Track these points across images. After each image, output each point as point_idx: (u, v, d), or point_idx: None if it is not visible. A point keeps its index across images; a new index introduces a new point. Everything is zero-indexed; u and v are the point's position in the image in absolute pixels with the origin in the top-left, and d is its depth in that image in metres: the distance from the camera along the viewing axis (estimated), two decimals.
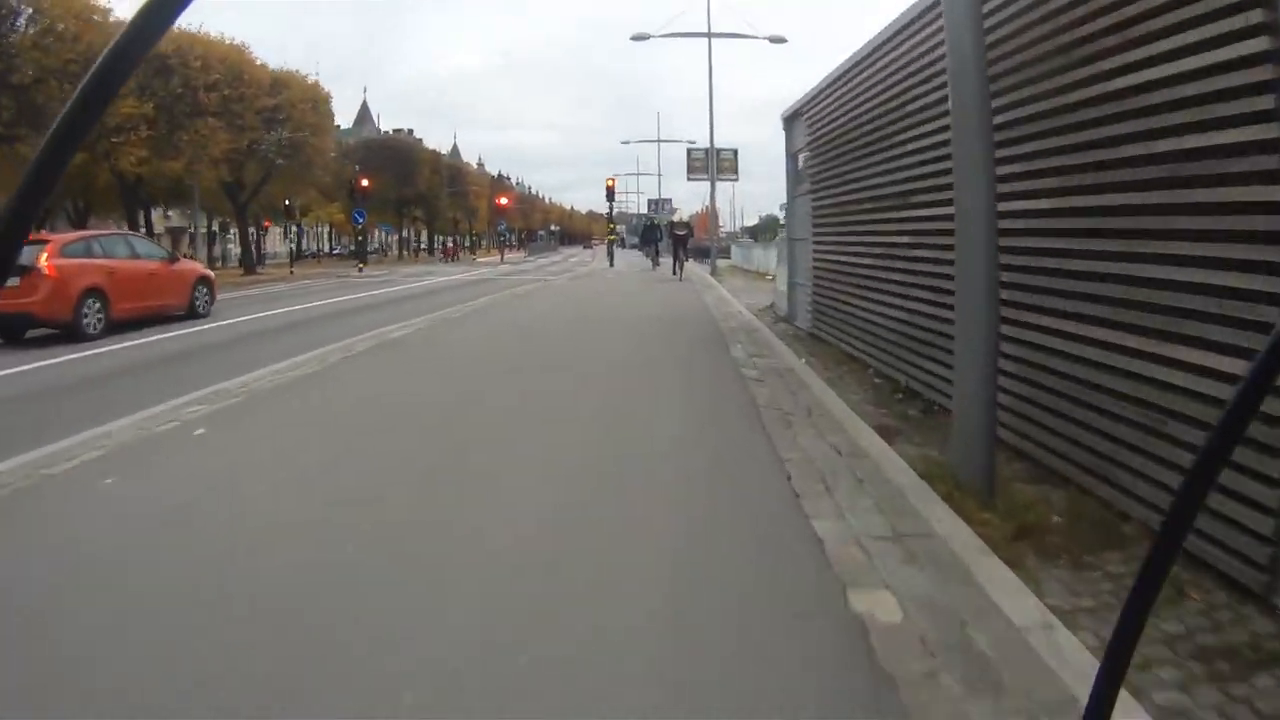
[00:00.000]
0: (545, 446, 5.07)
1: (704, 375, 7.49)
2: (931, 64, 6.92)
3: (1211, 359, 3.71)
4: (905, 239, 7.75)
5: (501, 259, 57.70)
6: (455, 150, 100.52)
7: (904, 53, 7.62)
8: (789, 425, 5.58)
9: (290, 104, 39.72)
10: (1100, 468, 4.70)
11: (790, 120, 13.36)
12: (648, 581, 3.10)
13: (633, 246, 61.18)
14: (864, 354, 9.15)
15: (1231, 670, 2.87)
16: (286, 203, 47.64)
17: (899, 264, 7.95)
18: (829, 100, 10.47)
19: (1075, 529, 4.40)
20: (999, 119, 5.13)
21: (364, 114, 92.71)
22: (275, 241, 68.77)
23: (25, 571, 3.28)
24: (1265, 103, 3.41)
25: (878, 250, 8.63)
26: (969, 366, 4.77)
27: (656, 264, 33.81)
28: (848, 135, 9.65)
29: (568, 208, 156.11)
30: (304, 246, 70.49)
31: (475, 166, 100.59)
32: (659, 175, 75.02)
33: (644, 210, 71.93)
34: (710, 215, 36.25)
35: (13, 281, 11.47)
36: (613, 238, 40.84)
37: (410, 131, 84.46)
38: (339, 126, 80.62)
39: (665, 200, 67.30)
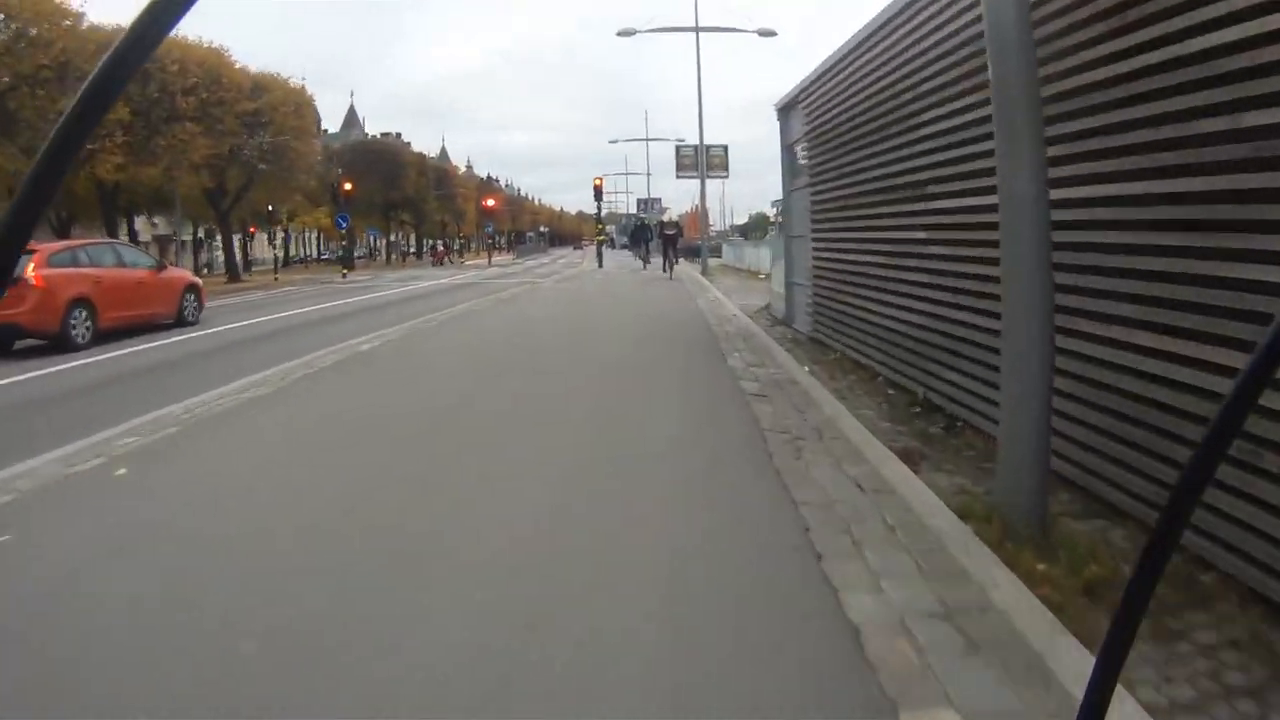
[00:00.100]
0: (505, 508, 4.28)
1: (700, 392, 6.67)
2: (953, 35, 6.15)
3: None
4: (921, 234, 6.97)
5: (489, 262, 56.86)
6: (444, 153, 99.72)
7: (918, 25, 6.83)
8: (799, 454, 4.79)
9: (271, 107, 38.96)
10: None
11: (785, 110, 12.57)
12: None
13: (623, 247, 60.46)
14: (872, 361, 8.37)
15: None
16: (270, 208, 46.72)
17: (913, 262, 7.17)
18: (829, 86, 9.69)
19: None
20: (1045, 90, 4.35)
21: (351, 118, 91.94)
22: (263, 248, 67.93)
23: None
24: None
25: (887, 247, 7.85)
26: (1018, 384, 3.98)
27: (646, 264, 33.49)
28: (851, 123, 8.86)
29: (557, 209, 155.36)
30: (291, 252, 69.83)
31: (463, 169, 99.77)
32: (648, 174, 74.27)
33: (633, 210, 71.25)
34: (700, 213, 35.46)
35: None
36: (601, 238, 40.04)
37: (398, 135, 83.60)
38: (326, 131, 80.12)
39: (654, 199, 66.52)
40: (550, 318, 13.20)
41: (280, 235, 66.69)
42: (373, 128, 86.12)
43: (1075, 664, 2.58)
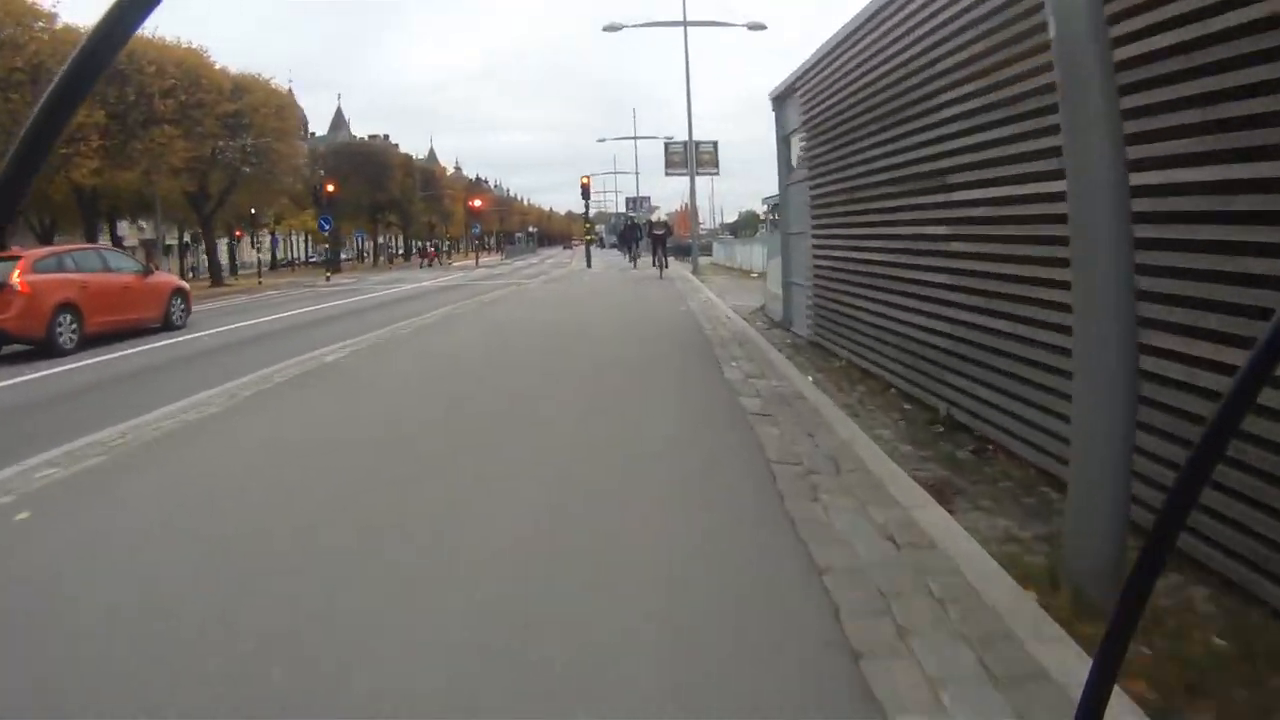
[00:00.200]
0: (457, 564, 3.47)
1: (695, 414, 5.81)
2: (982, 2, 5.37)
3: None
4: (942, 230, 6.18)
5: (476, 263, 55.97)
6: (432, 154, 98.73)
7: None
8: (815, 494, 3.99)
9: (253, 109, 38.12)
10: (1260, 555, 3.17)
11: (780, 100, 11.78)
12: None
13: (612, 246, 59.70)
14: (883, 370, 7.59)
15: None
16: (253, 211, 45.82)
17: (931, 261, 6.39)
18: (830, 71, 8.90)
19: (1256, 670, 2.85)
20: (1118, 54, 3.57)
21: (339, 120, 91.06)
22: (251, 251, 66.97)
23: None
24: None
25: (899, 244, 7.07)
26: (1096, 413, 3.19)
27: (635, 263, 33.34)
28: (855, 109, 8.07)
29: (546, 209, 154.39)
30: (279, 255, 68.89)
31: (451, 170, 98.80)
32: (636, 173, 73.36)
33: (622, 209, 70.45)
34: (690, 211, 34.67)
35: None
36: (590, 238, 39.25)
37: (386, 137, 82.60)
38: (313, 133, 79.38)
39: (643, 198, 65.73)
40: (533, 323, 12.36)
41: (266, 238, 65.99)
42: (361, 130, 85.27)
43: None
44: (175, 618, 2.88)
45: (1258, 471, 3.19)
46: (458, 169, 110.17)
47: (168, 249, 54.83)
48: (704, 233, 47.39)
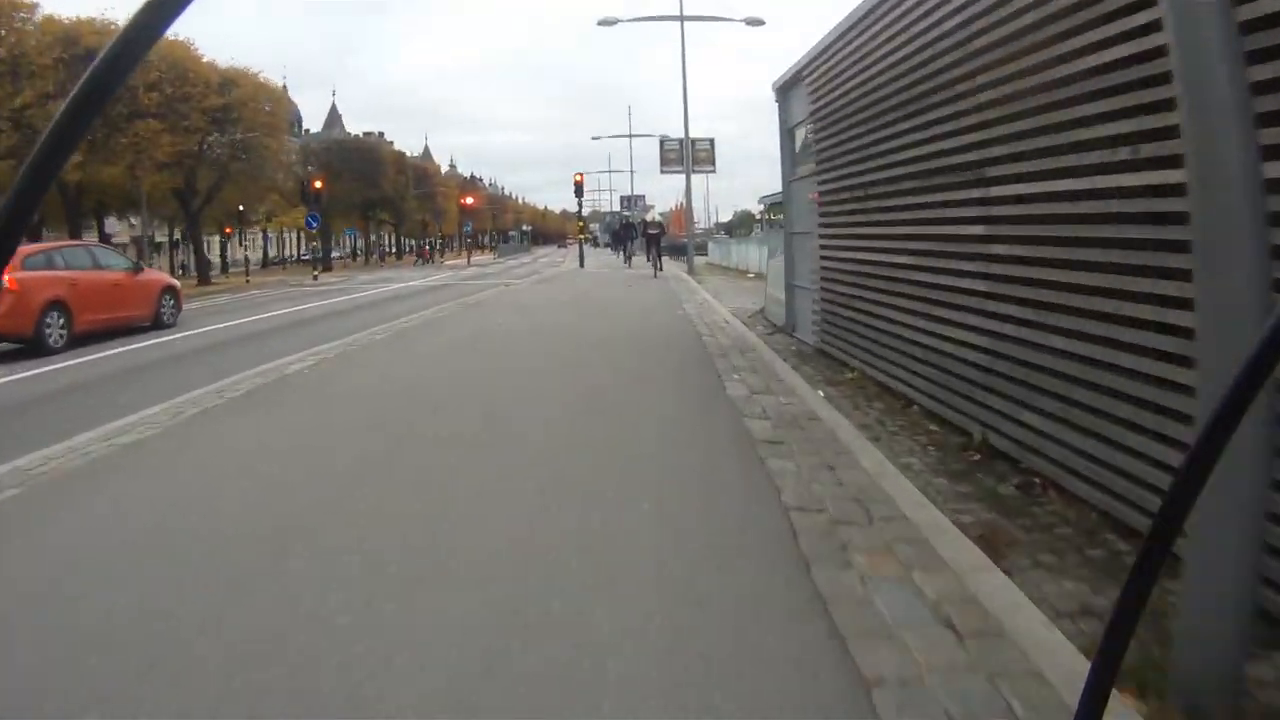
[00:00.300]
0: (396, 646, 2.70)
1: (695, 440, 4.96)
2: None
3: None
4: (978, 229, 5.41)
5: (468, 262, 55.19)
6: (426, 152, 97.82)
7: None
8: (847, 557, 3.21)
9: (241, 103, 37.23)
10: None
11: (785, 90, 11.01)
12: None
13: (605, 246, 58.97)
14: (902, 384, 6.84)
15: None
16: (240, 208, 44.93)
17: (966, 265, 5.62)
18: (844, 54, 8.13)
19: None
20: None
21: (333, 117, 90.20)
22: (245, 249, 66.10)
23: None
24: None
25: (923, 245, 6.31)
26: (1223, 471, 2.44)
27: (629, 262, 32.95)
28: (870, 97, 7.32)
29: (541, 208, 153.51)
30: (271, 253, 67.97)
31: (446, 168, 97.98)
32: (631, 171, 72.59)
33: (617, 207, 69.73)
34: (686, 209, 33.90)
35: None
36: (583, 237, 38.49)
37: (381, 134, 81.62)
38: (308, 130, 78.40)
39: (638, 197, 65.10)
40: (516, 329, 11.56)
41: (255, 236, 65.07)
42: (356, 128, 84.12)
43: None
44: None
45: None
46: (452, 167, 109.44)
47: (158, 246, 54.02)
48: (699, 232, 46.54)
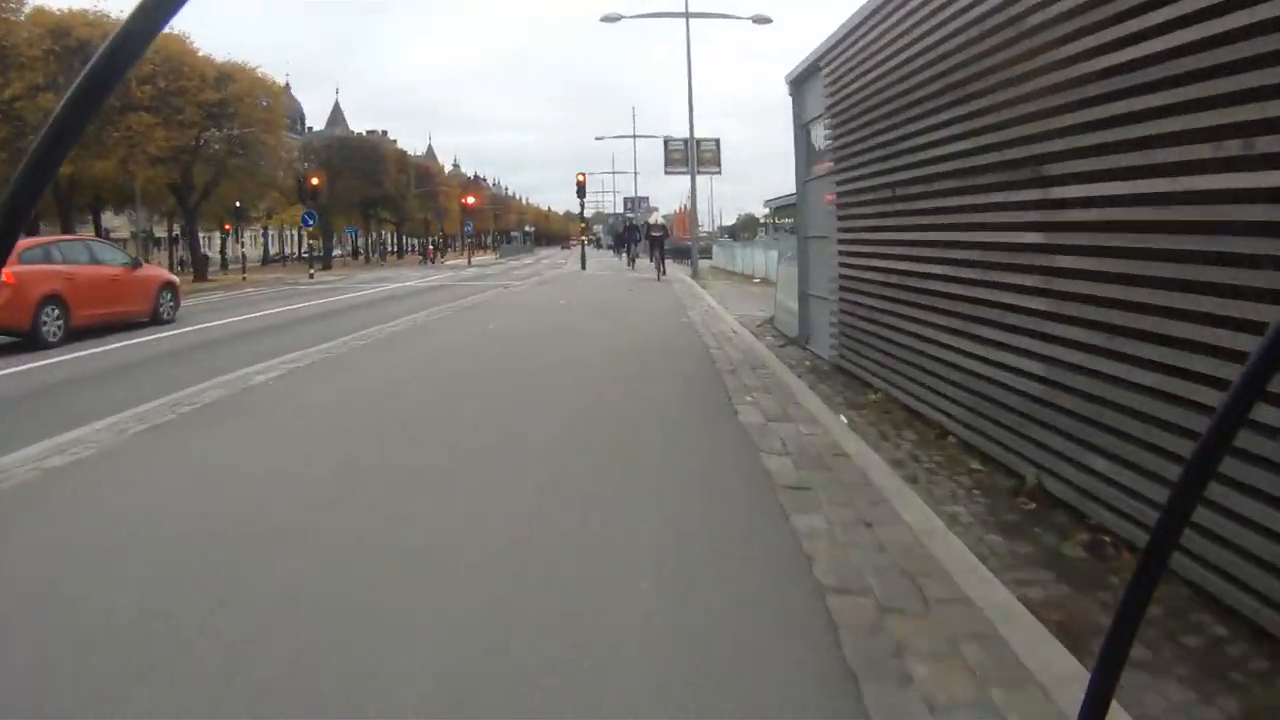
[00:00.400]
0: None
1: (704, 486, 4.10)
2: None
3: None
4: (1034, 237, 4.65)
5: (468, 262, 54.47)
6: (430, 152, 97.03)
7: None
8: (905, 669, 2.44)
9: (237, 98, 36.50)
10: None
11: (800, 83, 10.24)
12: None
13: (608, 247, 58.25)
14: (935, 410, 6.07)
15: None
16: (237, 204, 44.17)
17: (1018, 277, 4.86)
18: (867, 40, 7.37)
19: None
20: None
21: (336, 116, 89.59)
22: (246, 244, 65.38)
23: None
24: None
25: (966, 255, 5.54)
26: None
27: (633, 264, 32.69)
28: (902, 86, 6.55)
29: (545, 209, 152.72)
30: (272, 250, 67.24)
31: (449, 168, 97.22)
32: (635, 173, 71.82)
33: (620, 209, 68.99)
34: (690, 211, 33.13)
35: None
36: (585, 238, 37.77)
37: (384, 133, 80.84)
38: (311, 128, 77.58)
39: (642, 198, 64.40)
40: (508, 336, 10.77)
41: (252, 233, 64.33)
42: (360, 127, 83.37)
43: None
44: None
45: None
46: (456, 166, 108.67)
47: (158, 241, 53.27)
48: (702, 235, 45.63)
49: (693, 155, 28.31)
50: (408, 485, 4.27)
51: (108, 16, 32.04)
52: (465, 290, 22.81)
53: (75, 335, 12.88)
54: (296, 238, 70.99)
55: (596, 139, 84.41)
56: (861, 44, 7.47)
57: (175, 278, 17.23)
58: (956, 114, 5.53)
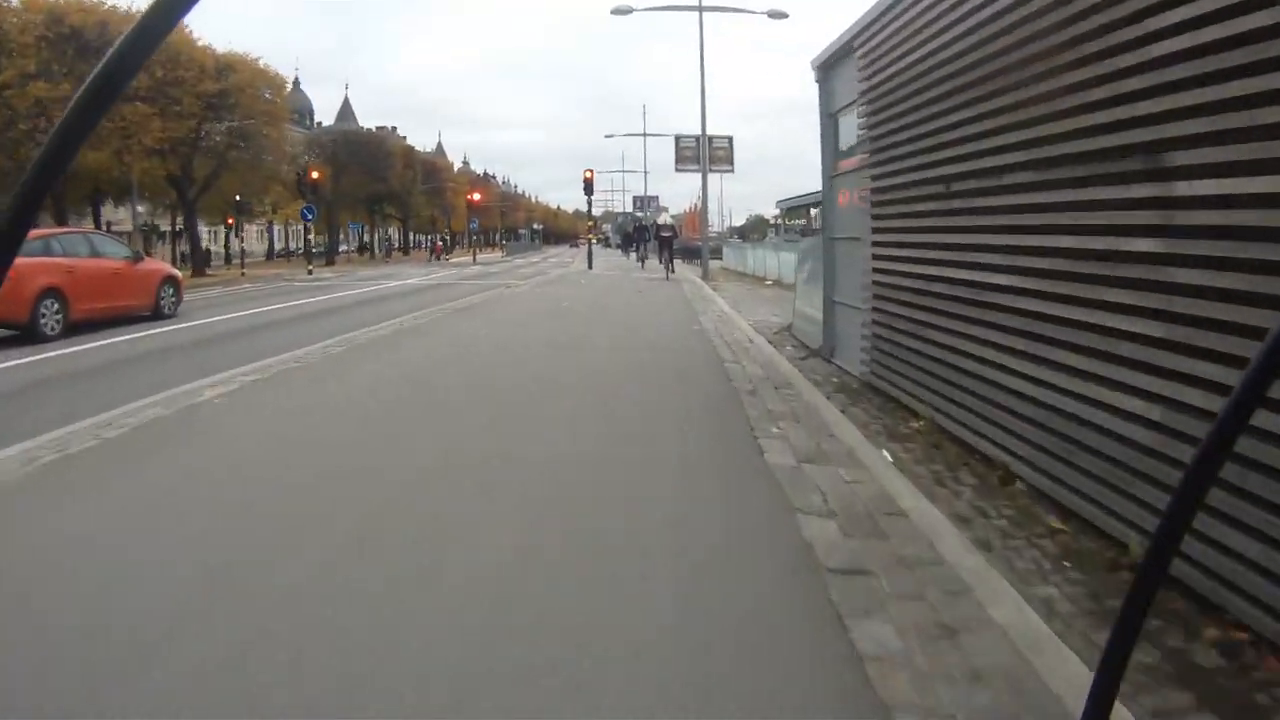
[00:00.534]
0: None
1: (724, 574, 3.07)
2: None
3: None
4: (1147, 244, 3.67)
5: (473, 259, 53.57)
6: (440, 148, 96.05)
7: None
8: None
9: (238, 89, 35.59)
10: None
11: (828, 67, 9.26)
12: None
13: (616, 246, 57.38)
14: (995, 445, 5.09)
15: None
16: (238, 198, 43.29)
17: (1124, 295, 3.88)
18: (912, 14, 6.39)
19: None
20: None
21: (345, 112, 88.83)
22: (250, 239, 64.69)
23: None
24: None
25: (1041, 264, 4.56)
26: None
27: (644, 264, 32.24)
28: (959, 63, 5.57)
29: (554, 207, 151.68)
30: (276, 244, 66.42)
31: (459, 165, 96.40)
32: (645, 172, 70.79)
33: (629, 208, 68.07)
34: (701, 210, 32.14)
35: None
36: (591, 237, 36.86)
37: (394, 129, 79.95)
38: (319, 124, 76.61)
39: (652, 197, 63.44)
40: (499, 345, 9.73)
41: (259, 227, 63.50)
42: (370, 123, 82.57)
43: None
44: None
45: None
46: (465, 164, 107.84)
47: (162, 235, 52.44)
48: (713, 235, 44.40)
49: (704, 152, 27.32)
50: (343, 555, 3.32)
51: (103, 3, 31.24)
52: (464, 289, 21.87)
53: (75, 329, 12.60)
54: (302, 233, 70.10)
55: (606, 137, 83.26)
56: (907, 17, 6.48)
57: (177, 272, 17.08)
58: (1035, 92, 4.54)
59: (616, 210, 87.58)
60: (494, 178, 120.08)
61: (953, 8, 5.60)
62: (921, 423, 6.13)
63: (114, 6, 31.14)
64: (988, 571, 3.30)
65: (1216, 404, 3.23)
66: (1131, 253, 3.79)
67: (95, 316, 13.32)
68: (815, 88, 9.68)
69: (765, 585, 2.98)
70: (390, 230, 75.66)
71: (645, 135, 52.14)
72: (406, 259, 63.16)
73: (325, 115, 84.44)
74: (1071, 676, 2.48)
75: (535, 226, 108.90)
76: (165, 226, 51.78)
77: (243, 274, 37.10)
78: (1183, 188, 3.47)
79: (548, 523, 3.61)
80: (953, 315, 5.70)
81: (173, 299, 15.76)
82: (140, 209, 45.07)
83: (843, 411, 6.26)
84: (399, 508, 3.85)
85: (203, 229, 53.13)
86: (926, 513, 3.91)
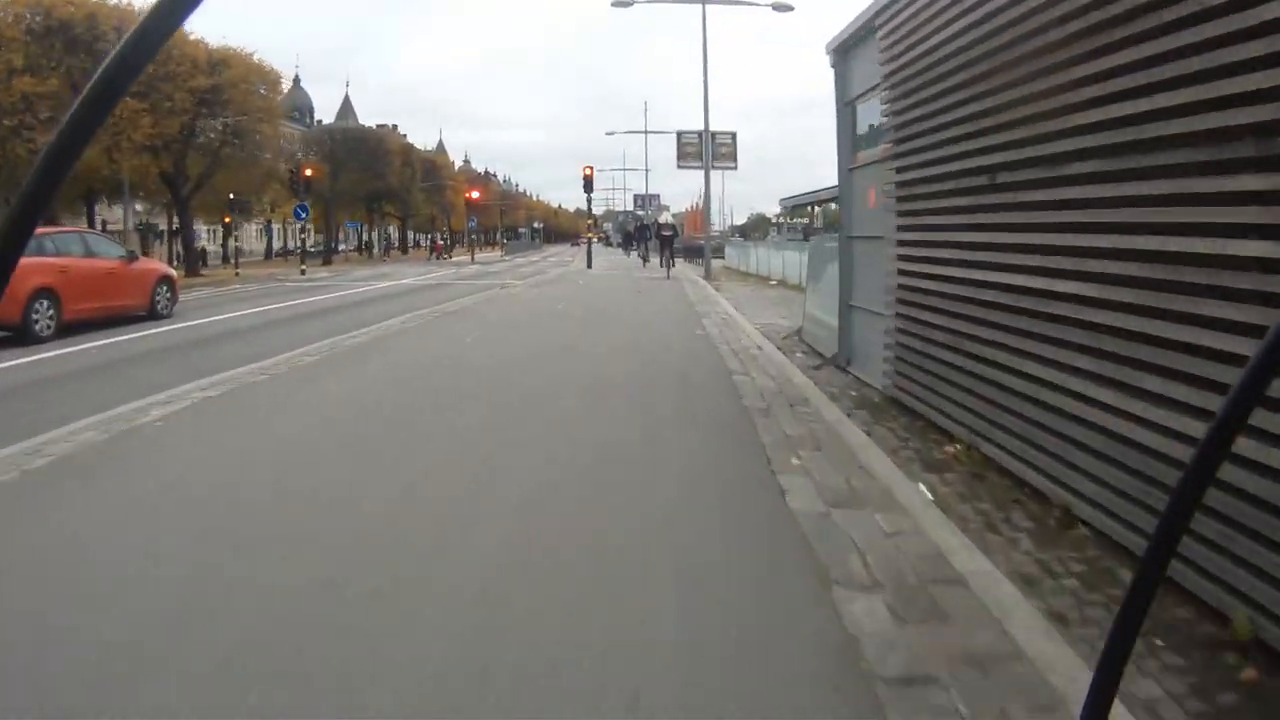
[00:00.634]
0: None
1: (740, 693, 2.35)
2: None
3: None
4: (1264, 247, 2.94)
5: (472, 259, 52.85)
6: (440, 146, 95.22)
7: None
8: None
9: (231, 84, 34.87)
10: None
11: (845, 51, 8.51)
12: None
13: (617, 245, 56.70)
14: (1052, 480, 4.36)
15: None
16: (232, 196, 42.53)
17: (1228, 311, 3.15)
18: None
19: None
20: None
21: (346, 109, 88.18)
22: (250, 238, 64.04)
23: None
24: None
25: (1116, 269, 3.83)
26: None
27: (646, 262, 32.03)
28: (1011, 33, 4.84)
29: (555, 205, 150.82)
30: (274, 244, 65.66)
31: (460, 164, 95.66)
32: (646, 170, 69.99)
33: (630, 207, 67.39)
34: (704, 207, 31.40)
35: None
36: (591, 235, 36.14)
37: (395, 127, 79.14)
38: (320, 122, 75.80)
39: (653, 196, 62.74)
40: (485, 356, 8.89)
41: (258, 226, 62.70)
42: (371, 122, 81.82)
43: None
44: None
45: None
46: (466, 162, 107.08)
47: (159, 234, 51.66)
48: (715, 234, 43.48)
49: (707, 148, 26.59)
50: (259, 623, 2.59)
51: None
52: (459, 290, 21.14)
53: (69, 330, 12.36)
54: (301, 231, 69.28)
55: (607, 134, 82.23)
56: None
57: (173, 271, 16.97)
58: (1114, 62, 3.80)
59: (617, 209, 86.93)
60: (495, 176, 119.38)
61: None
62: (958, 447, 5.38)
63: (103, 0, 30.43)
64: (1074, 664, 2.57)
65: None
66: (1237, 258, 3.05)
67: (89, 317, 13.06)
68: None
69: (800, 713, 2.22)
70: (390, 229, 74.87)
71: (646, 132, 51.32)
72: (406, 258, 62.38)
73: (326, 114, 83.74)
74: None
75: (536, 225, 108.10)
76: (163, 226, 51.04)
77: (236, 274, 36.37)
78: None
79: (496, 648, 2.66)
80: (998, 326, 4.96)
81: (168, 299, 15.55)
82: (138, 208, 44.45)
83: (868, 433, 5.52)
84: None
85: (202, 228, 52.47)
86: (987, 576, 3.18)
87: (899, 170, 6.60)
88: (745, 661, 2.47)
